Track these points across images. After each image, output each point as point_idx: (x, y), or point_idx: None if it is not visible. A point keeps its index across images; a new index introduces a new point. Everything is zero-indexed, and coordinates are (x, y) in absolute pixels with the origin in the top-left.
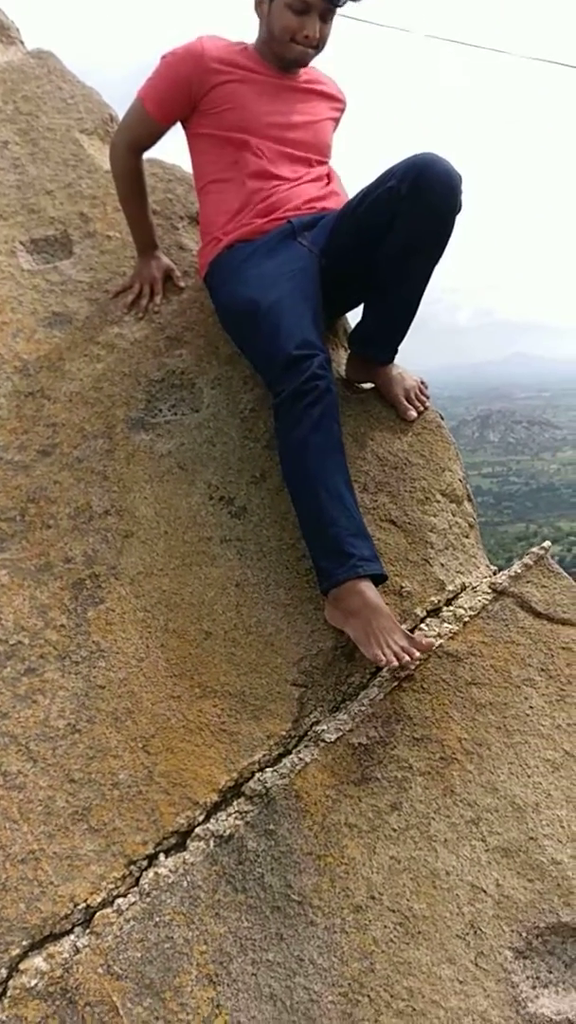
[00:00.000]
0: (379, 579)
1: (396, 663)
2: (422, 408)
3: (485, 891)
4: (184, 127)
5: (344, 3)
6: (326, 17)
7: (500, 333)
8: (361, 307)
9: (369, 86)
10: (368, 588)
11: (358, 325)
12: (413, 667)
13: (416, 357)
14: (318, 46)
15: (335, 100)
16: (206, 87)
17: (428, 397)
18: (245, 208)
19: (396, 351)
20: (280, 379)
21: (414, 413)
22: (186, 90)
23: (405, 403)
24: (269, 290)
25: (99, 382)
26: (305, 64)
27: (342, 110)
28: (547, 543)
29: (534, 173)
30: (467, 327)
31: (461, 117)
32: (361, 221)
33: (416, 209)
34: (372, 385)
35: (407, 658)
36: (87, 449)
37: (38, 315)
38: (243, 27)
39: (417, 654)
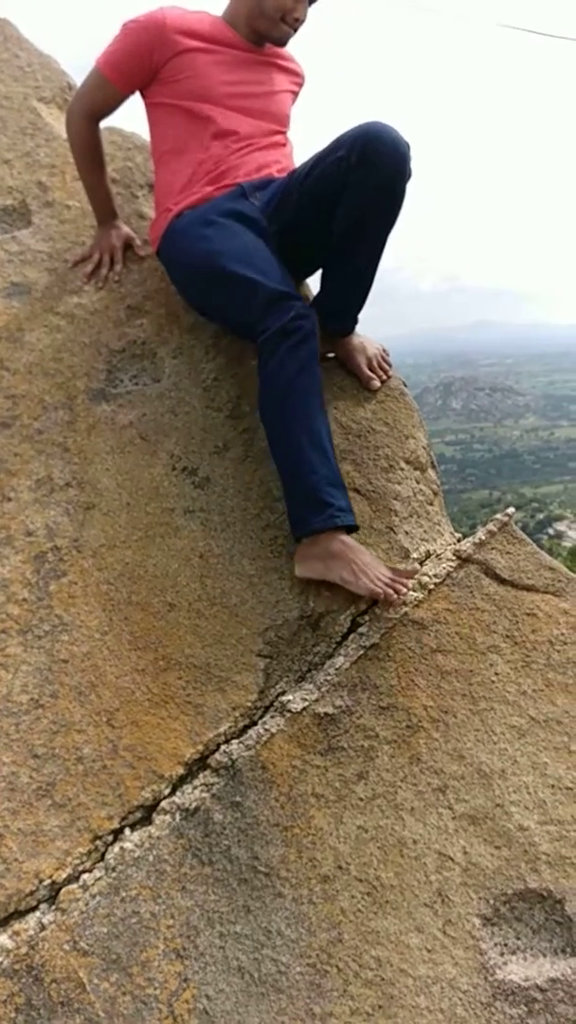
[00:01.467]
0: (352, 530)
1: (393, 595)
2: (385, 376)
3: (452, 859)
4: (143, 96)
5: None
6: (311, 2)
7: (464, 300)
8: (319, 276)
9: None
10: (345, 536)
11: (317, 296)
12: (405, 596)
13: (379, 325)
14: (298, 28)
15: (295, 75)
16: (167, 55)
17: (391, 365)
18: (195, 177)
19: (356, 320)
20: (264, 316)
21: (377, 382)
22: (147, 58)
23: (368, 372)
24: (232, 240)
25: (59, 353)
26: (283, 44)
27: (301, 84)
28: (511, 510)
29: (500, 141)
30: (431, 294)
31: (428, 83)
32: (311, 191)
33: (366, 179)
34: (334, 355)
35: (401, 588)
36: (47, 421)
37: None
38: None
39: (409, 583)
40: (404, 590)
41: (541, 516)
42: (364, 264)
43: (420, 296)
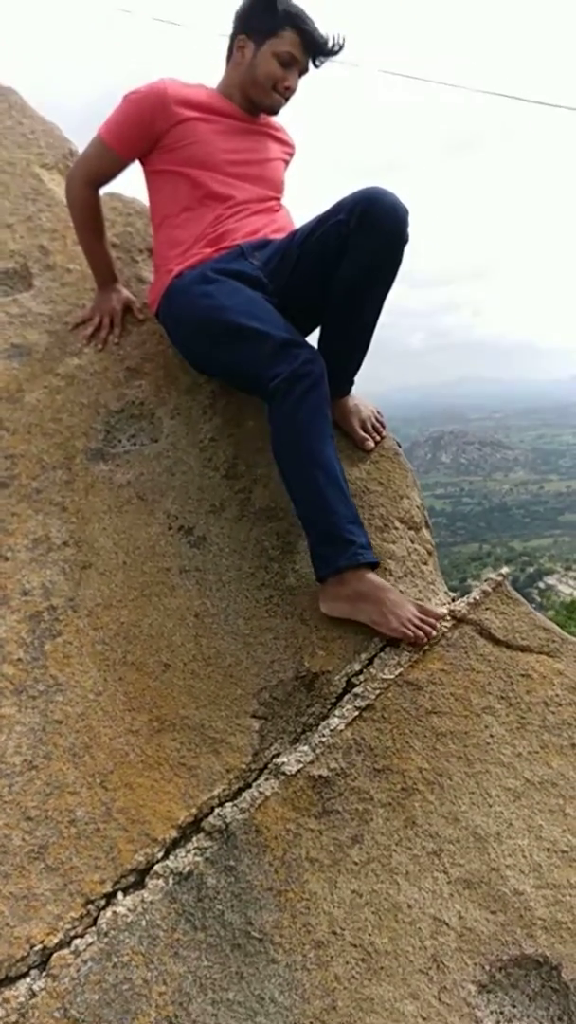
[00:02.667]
0: (375, 567)
1: (424, 637)
2: (379, 437)
3: (447, 924)
4: (142, 163)
5: (321, 65)
6: (301, 74)
7: (454, 356)
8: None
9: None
10: (370, 573)
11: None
12: (435, 635)
13: (369, 380)
14: (288, 98)
15: (286, 144)
16: (168, 124)
17: (384, 426)
18: (195, 241)
19: (352, 383)
20: (273, 364)
21: (371, 443)
22: (149, 127)
23: (362, 433)
24: (234, 295)
25: (58, 413)
26: (276, 112)
27: (292, 155)
28: (504, 570)
29: (487, 198)
30: (421, 350)
31: (406, 141)
32: (311, 252)
33: (365, 242)
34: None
35: (431, 630)
36: (46, 480)
37: None
38: (198, 65)
39: (437, 624)
40: (433, 632)
41: (531, 570)
42: (362, 327)
43: (410, 352)
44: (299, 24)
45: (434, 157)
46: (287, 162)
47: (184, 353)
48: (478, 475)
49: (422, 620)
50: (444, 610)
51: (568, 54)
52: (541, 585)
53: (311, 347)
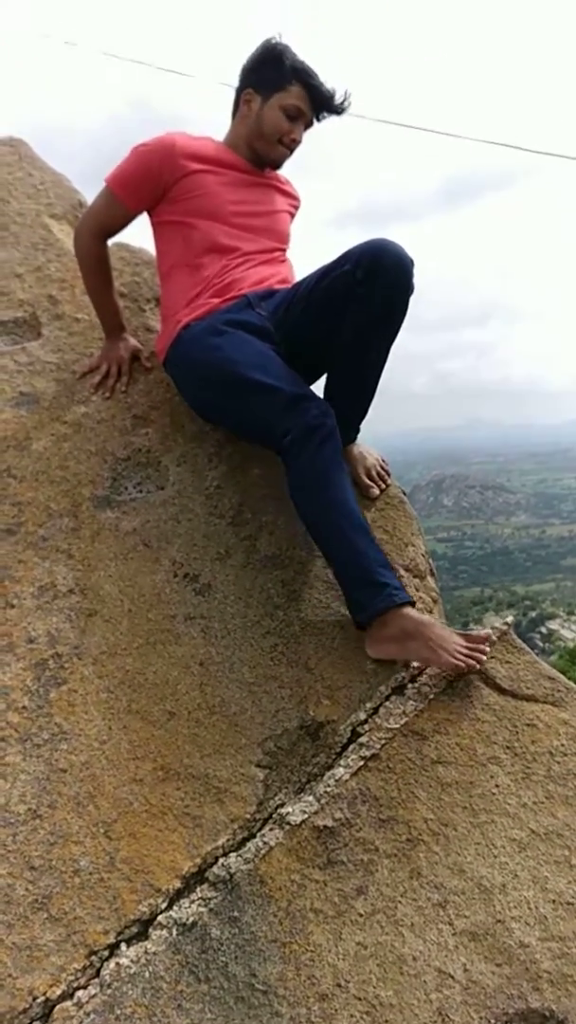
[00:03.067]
0: (412, 605)
1: (476, 664)
2: (384, 485)
3: (453, 976)
4: (149, 214)
5: (325, 119)
6: (306, 127)
7: (456, 399)
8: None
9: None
10: (409, 609)
11: None
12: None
13: (371, 423)
14: (294, 150)
15: (292, 197)
16: (175, 176)
17: (389, 474)
18: (203, 291)
19: (358, 430)
20: (285, 419)
21: (376, 491)
22: (157, 179)
23: (367, 480)
24: (243, 347)
25: (65, 460)
26: (280, 165)
27: (297, 207)
28: (509, 619)
29: (490, 244)
30: (423, 393)
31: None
32: (318, 302)
33: (371, 292)
34: None
35: (481, 656)
36: (52, 527)
37: (5, 395)
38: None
39: (487, 648)
40: (483, 657)
41: (534, 614)
42: (367, 375)
43: (412, 395)
44: (306, 79)
45: (436, 205)
46: (292, 214)
47: (192, 403)
48: (480, 519)
49: (470, 648)
50: (488, 631)
51: (564, 104)
52: (543, 630)
53: (320, 400)
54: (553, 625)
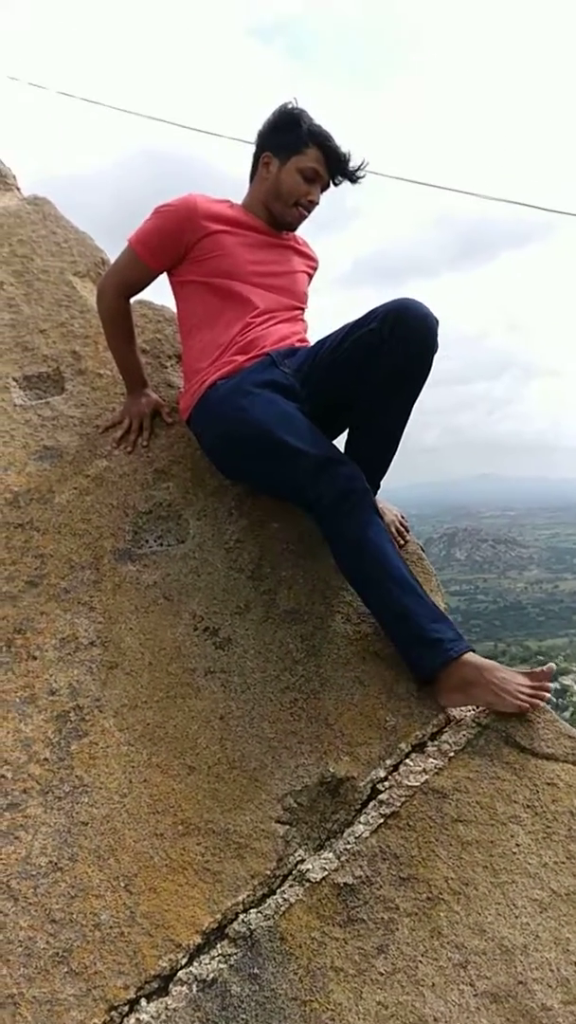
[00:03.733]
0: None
1: (540, 703)
2: (403, 541)
3: None
4: (170, 274)
5: (341, 183)
6: (323, 190)
7: (468, 453)
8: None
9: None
10: (469, 657)
11: None
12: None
13: (385, 476)
14: (310, 212)
15: (310, 259)
16: (196, 237)
17: (408, 529)
18: (226, 349)
19: (378, 486)
20: (315, 484)
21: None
22: (178, 239)
23: None
24: (270, 408)
25: (87, 514)
26: (296, 227)
27: (315, 268)
28: (552, 665)
29: (503, 300)
30: (436, 446)
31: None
32: (343, 360)
33: (397, 350)
34: None
35: (545, 694)
36: (74, 580)
37: (29, 449)
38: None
39: (549, 686)
40: (547, 694)
41: None
42: (390, 432)
43: (425, 448)
44: (323, 142)
45: (452, 262)
46: (310, 275)
47: (216, 462)
48: (492, 573)
49: (534, 688)
50: (550, 665)
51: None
52: (557, 685)
53: (348, 462)
54: (567, 680)
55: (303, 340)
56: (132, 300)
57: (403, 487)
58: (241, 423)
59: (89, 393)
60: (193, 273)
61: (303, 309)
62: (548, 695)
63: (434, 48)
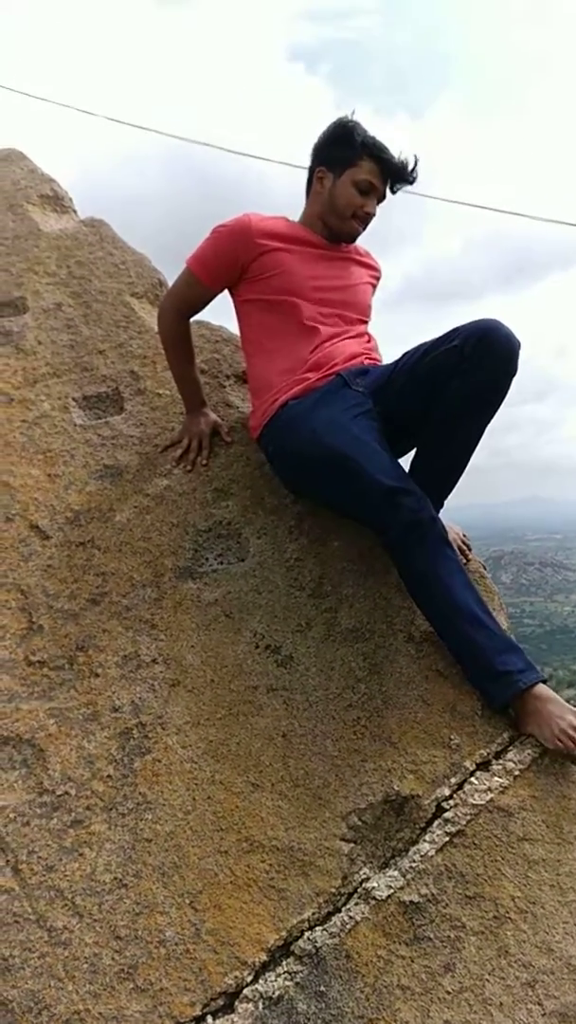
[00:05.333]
0: (542, 683)
1: (572, 746)
2: (465, 561)
3: None
4: (231, 294)
5: (398, 191)
6: (380, 200)
7: (514, 475)
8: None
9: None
10: (537, 689)
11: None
12: None
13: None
14: (368, 224)
15: (372, 268)
16: (252, 256)
17: (471, 548)
18: (296, 368)
19: (442, 505)
20: (382, 515)
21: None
22: (235, 259)
23: None
24: (340, 433)
25: (148, 532)
26: (354, 239)
27: (378, 278)
28: None
29: (552, 321)
30: (483, 468)
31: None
32: (420, 377)
33: (478, 369)
34: None
35: None
36: (135, 598)
37: (90, 468)
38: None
39: None
40: None
41: None
42: (460, 451)
43: (471, 470)
44: (377, 153)
45: (497, 284)
46: (374, 285)
47: (285, 481)
48: (539, 596)
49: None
50: None
51: None
52: None
53: (415, 491)
54: None
55: (372, 359)
56: (191, 321)
57: (449, 509)
58: (311, 445)
59: (148, 413)
60: (253, 292)
61: (366, 321)
62: None
63: (475, 70)
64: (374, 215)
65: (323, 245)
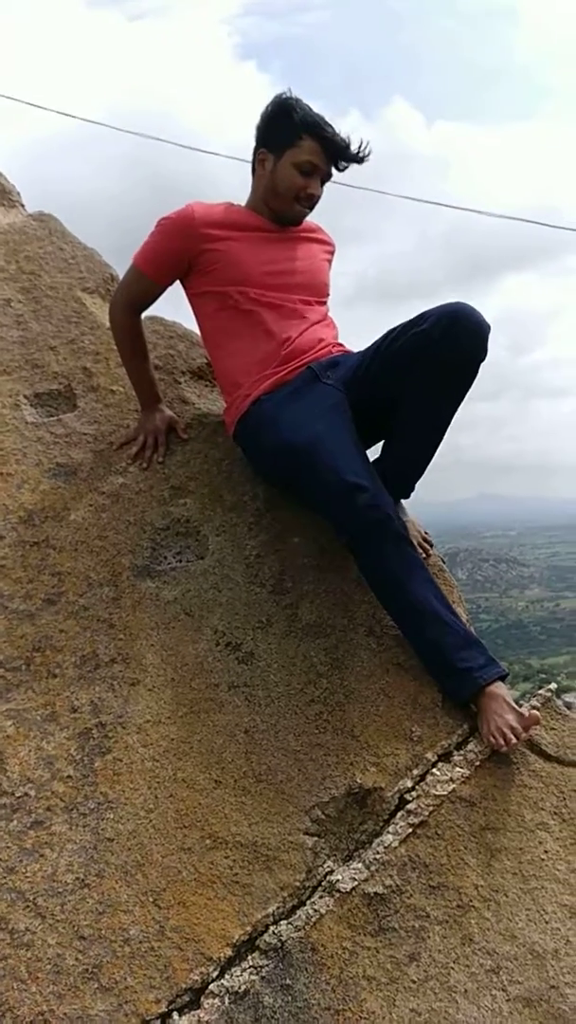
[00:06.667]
0: (502, 678)
1: (503, 744)
2: (425, 556)
3: None
4: (184, 287)
5: (344, 169)
6: (324, 180)
7: (469, 472)
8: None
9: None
10: (493, 687)
11: (377, 460)
12: (523, 738)
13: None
14: (314, 205)
15: (325, 243)
16: (198, 247)
17: (432, 544)
18: (265, 363)
19: (412, 489)
20: (341, 513)
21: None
22: (179, 252)
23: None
24: (305, 428)
25: (104, 531)
26: (300, 222)
27: (332, 252)
28: (552, 685)
29: (505, 320)
30: (438, 465)
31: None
32: (390, 361)
33: (445, 353)
34: None
35: (512, 739)
36: (93, 597)
37: (43, 466)
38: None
39: (524, 734)
40: (514, 740)
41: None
42: (429, 435)
43: (429, 469)
44: (317, 132)
45: (452, 283)
46: (329, 260)
47: (265, 478)
48: (494, 592)
49: (511, 728)
50: (533, 714)
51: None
52: (560, 702)
53: (374, 488)
54: (569, 698)
55: (340, 347)
56: (144, 316)
57: (405, 507)
58: (278, 441)
59: (102, 410)
60: (204, 284)
61: (325, 301)
62: (515, 740)
63: (431, 70)
64: (319, 196)
65: (270, 228)
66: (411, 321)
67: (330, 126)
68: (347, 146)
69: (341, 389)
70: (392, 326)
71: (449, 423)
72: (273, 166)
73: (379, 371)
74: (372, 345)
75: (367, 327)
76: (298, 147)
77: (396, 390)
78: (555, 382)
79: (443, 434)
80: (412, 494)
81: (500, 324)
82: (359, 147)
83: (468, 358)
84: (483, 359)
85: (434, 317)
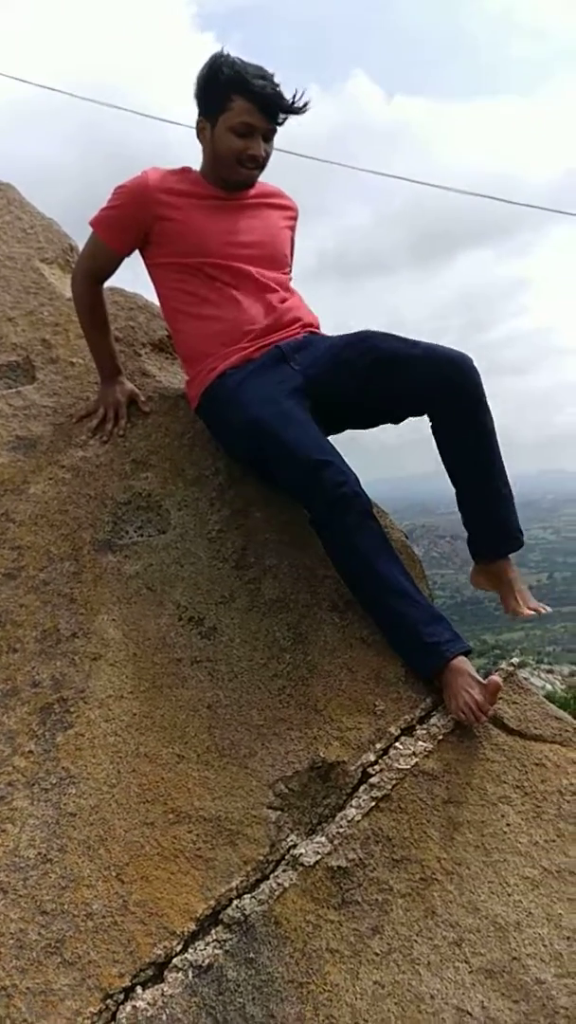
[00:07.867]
0: (466, 653)
1: (472, 719)
2: (537, 616)
3: (471, 1014)
4: (143, 257)
5: (284, 121)
6: (268, 137)
7: (425, 451)
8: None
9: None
10: (456, 662)
11: (469, 537)
12: (490, 713)
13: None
14: (262, 165)
15: (286, 208)
16: (155, 215)
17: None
18: (228, 336)
19: (520, 532)
20: (305, 490)
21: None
22: (137, 219)
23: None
24: (269, 405)
25: (64, 505)
26: (251, 185)
27: (295, 218)
28: (515, 660)
29: (462, 297)
30: (395, 444)
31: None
32: (363, 371)
33: (453, 415)
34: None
35: (481, 716)
36: (53, 572)
37: (1, 439)
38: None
39: (490, 710)
40: (483, 717)
41: (504, 663)
42: (489, 482)
43: (385, 447)
44: (245, 88)
45: (410, 258)
46: (291, 227)
47: (229, 453)
48: (450, 568)
49: (478, 703)
50: (494, 679)
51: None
52: (521, 676)
53: (339, 466)
54: (523, 674)
55: (306, 324)
56: (105, 287)
57: (366, 484)
58: (242, 416)
59: (62, 382)
60: (163, 255)
61: (288, 270)
62: (484, 717)
63: (391, 41)
64: (265, 155)
65: (224, 196)
66: (404, 353)
67: (260, 79)
68: (279, 96)
69: (302, 375)
70: (366, 329)
71: (492, 459)
72: (211, 134)
73: (356, 386)
74: (337, 343)
75: (327, 304)
76: (230, 110)
77: (358, 395)
78: (514, 361)
79: (496, 472)
80: (359, 477)
81: (458, 301)
82: (294, 96)
83: (474, 412)
84: (479, 388)
85: (426, 358)
